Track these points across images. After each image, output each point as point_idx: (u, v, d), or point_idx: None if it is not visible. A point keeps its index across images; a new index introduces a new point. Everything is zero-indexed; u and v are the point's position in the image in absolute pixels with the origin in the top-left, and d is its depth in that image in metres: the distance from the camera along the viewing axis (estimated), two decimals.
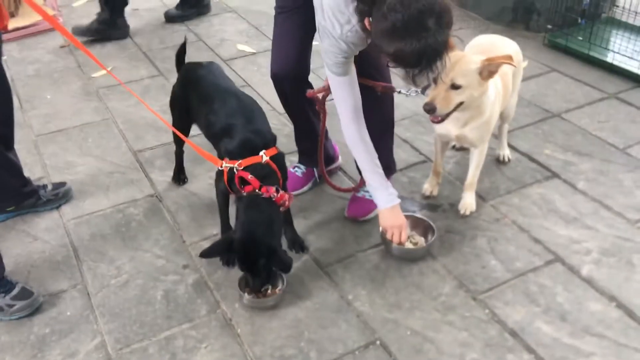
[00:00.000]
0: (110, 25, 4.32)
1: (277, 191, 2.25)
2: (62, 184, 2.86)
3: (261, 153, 2.26)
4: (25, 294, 2.28)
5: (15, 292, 2.27)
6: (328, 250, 2.53)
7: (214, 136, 2.40)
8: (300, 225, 2.62)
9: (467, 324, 2.18)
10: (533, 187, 2.82)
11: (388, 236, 2.40)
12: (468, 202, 2.68)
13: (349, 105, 2.27)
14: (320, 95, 2.50)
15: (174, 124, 2.75)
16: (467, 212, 2.66)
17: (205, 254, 2.28)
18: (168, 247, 2.57)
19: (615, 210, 2.66)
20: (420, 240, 2.51)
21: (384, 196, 2.37)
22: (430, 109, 2.28)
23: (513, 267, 2.40)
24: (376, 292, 2.33)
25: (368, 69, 2.39)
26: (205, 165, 2.89)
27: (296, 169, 2.86)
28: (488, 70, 2.28)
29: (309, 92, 2.51)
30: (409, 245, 2.48)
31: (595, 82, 3.61)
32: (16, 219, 2.74)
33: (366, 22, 1.89)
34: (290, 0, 2.39)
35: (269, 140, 2.35)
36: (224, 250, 2.29)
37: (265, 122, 2.42)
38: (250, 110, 2.40)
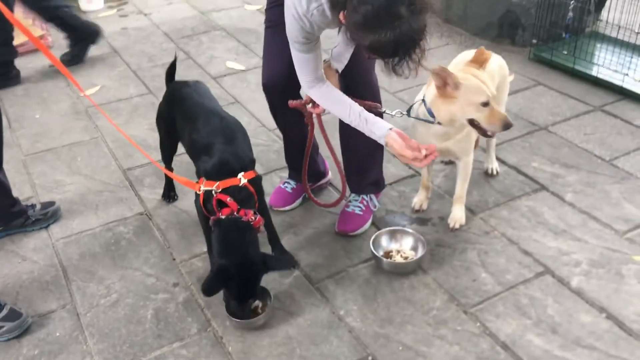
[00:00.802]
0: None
1: (255, 214, 2.25)
2: (51, 203, 2.85)
3: (240, 175, 2.24)
4: (14, 315, 2.26)
5: (3, 313, 2.25)
6: (319, 265, 2.53)
7: (195, 155, 2.40)
8: (290, 241, 2.62)
9: (459, 338, 2.18)
10: (521, 200, 2.83)
11: (406, 161, 2.21)
12: (457, 215, 2.69)
13: (309, 77, 2.23)
14: (307, 107, 2.46)
15: (161, 142, 2.77)
16: (457, 226, 2.67)
17: (209, 291, 2.17)
18: (158, 265, 2.56)
19: (603, 221, 2.68)
20: (411, 254, 2.51)
21: (382, 125, 2.22)
22: (510, 123, 2.28)
23: (503, 280, 2.41)
24: (367, 307, 2.32)
25: (356, 87, 2.41)
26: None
27: (286, 184, 2.87)
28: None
29: (291, 102, 2.47)
30: (399, 259, 2.49)
31: (581, 95, 3.66)
32: (4, 239, 2.73)
33: (341, 16, 1.88)
34: (279, 15, 2.41)
35: (248, 163, 2.34)
36: (225, 281, 2.18)
37: (247, 144, 2.42)
38: (232, 131, 2.39)
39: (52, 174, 3.17)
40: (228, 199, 2.20)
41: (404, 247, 2.55)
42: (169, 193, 2.93)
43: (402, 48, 1.83)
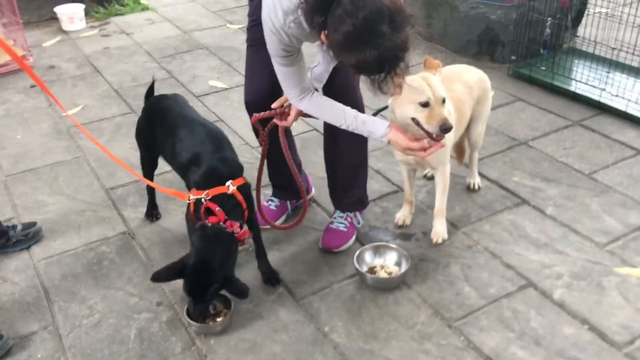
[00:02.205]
0: None
1: (241, 227, 2.26)
2: (33, 223, 2.82)
3: (228, 183, 2.26)
4: None
5: None
6: (303, 282, 2.52)
7: (181, 166, 2.40)
8: (274, 257, 2.62)
9: (444, 352, 2.18)
10: (503, 214, 2.86)
11: (412, 153, 2.22)
12: (439, 230, 2.70)
13: (296, 89, 2.22)
14: (275, 120, 2.43)
15: (142, 157, 2.77)
16: (440, 240, 2.69)
17: (157, 277, 2.24)
18: (141, 285, 2.55)
19: (584, 234, 2.71)
20: (395, 270, 2.52)
21: (380, 124, 2.22)
22: (446, 128, 2.23)
23: (487, 294, 2.42)
24: (352, 323, 2.32)
25: (343, 101, 2.43)
26: (178, 201, 2.88)
27: (269, 202, 2.87)
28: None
29: (254, 116, 2.44)
30: (383, 275, 2.49)
31: (560, 110, 3.71)
32: None
33: (322, 36, 1.87)
34: (260, 33, 2.43)
35: (236, 169, 2.36)
36: (175, 275, 2.23)
37: (232, 151, 2.44)
38: (217, 139, 2.41)
39: (33, 194, 3.15)
40: (217, 209, 2.21)
41: (387, 263, 2.56)
42: (152, 212, 2.92)
43: (388, 64, 1.83)
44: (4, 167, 3.39)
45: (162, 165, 2.74)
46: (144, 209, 2.94)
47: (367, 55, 1.77)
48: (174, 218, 2.90)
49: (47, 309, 2.45)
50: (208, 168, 2.29)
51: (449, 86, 2.59)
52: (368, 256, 2.57)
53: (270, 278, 2.51)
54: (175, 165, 2.50)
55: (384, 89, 1.92)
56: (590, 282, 2.46)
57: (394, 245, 2.61)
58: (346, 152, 2.36)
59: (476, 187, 3.01)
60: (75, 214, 2.99)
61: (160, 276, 2.24)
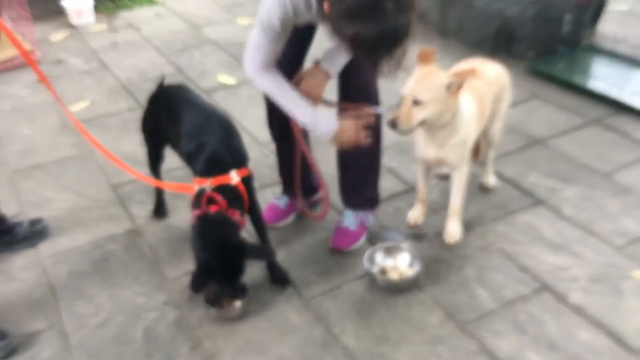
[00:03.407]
0: None
1: (241, 215, 2.25)
2: (39, 220, 2.79)
3: (232, 173, 2.23)
4: (0, 335, 2.20)
5: None
6: (312, 282, 2.48)
7: (188, 154, 2.37)
8: (283, 257, 2.58)
9: (456, 356, 2.14)
10: (518, 215, 2.80)
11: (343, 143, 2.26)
12: (453, 230, 2.64)
13: (262, 61, 2.18)
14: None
15: (148, 151, 2.72)
16: (453, 241, 2.63)
17: (195, 287, 2.16)
18: (148, 283, 2.51)
19: (602, 236, 2.64)
20: (406, 271, 2.47)
21: (326, 117, 2.25)
22: (392, 124, 2.24)
23: (501, 296, 2.37)
24: (362, 325, 2.28)
25: (356, 97, 2.38)
26: (186, 198, 2.83)
27: (279, 200, 2.82)
28: (456, 84, 2.25)
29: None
30: (394, 276, 2.44)
31: (578, 108, 3.64)
32: None
33: (325, 5, 1.85)
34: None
35: (241, 158, 2.33)
36: (210, 276, 2.17)
37: (239, 138, 2.40)
38: (225, 126, 2.38)
39: (40, 191, 3.12)
40: (220, 198, 2.18)
41: (399, 264, 2.50)
42: (160, 209, 2.88)
43: (384, 43, 1.80)
44: (11, 163, 3.36)
45: (171, 162, 2.70)
46: (152, 206, 2.90)
47: (365, 28, 1.76)
48: (182, 215, 2.86)
49: (54, 307, 2.42)
50: (212, 156, 2.26)
51: (469, 81, 2.53)
52: (379, 257, 2.52)
53: (279, 278, 2.46)
54: (181, 152, 2.46)
55: (379, 70, 1.90)
56: (607, 285, 2.40)
57: (406, 246, 2.55)
58: (359, 150, 2.32)
59: (491, 186, 2.95)
60: (82, 211, 2.95)
61: (198, 285, 2.17)
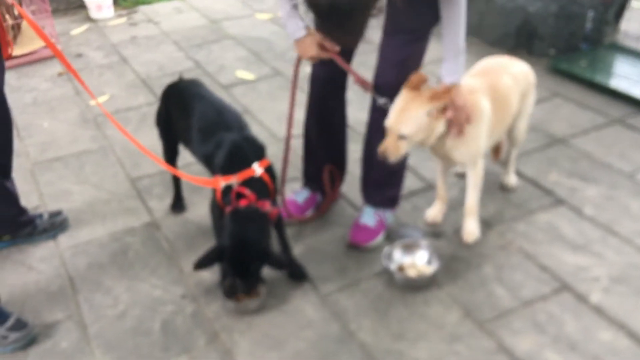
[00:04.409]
0: None
1: (272, 205, 2.27)
2: (58, 212, 2.81)
3: (255, 165, 2.24)
4: (20, 325, 2.22)
5: (9, 323, 2.21)
6: (329, 278, 2.47)
7: (203, 151, 2.38)
8: (299, 252, 2.57)
9: (474, 354, 2.12)
10: (539, 214, 2.77)
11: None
12: (470, 228, 2.61)
13: None
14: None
15: (163, 144, 2.73)
16: (471, 240, 2.60)
17: (199, 264, 2.23)
18: (166, 277, 2.52)
19: (624, 236, 2.61)
20: (424, 268, 2.45)
21: (294, 26, 2.34)
22: (382, 158, 2.27)
23: (520, 295, 2.34)
24: (379, 321, 2.26)
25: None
26: (203, 193, 2.85)
27: (297, 195, 2.81)
28: (436, 110, 2.22)
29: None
30: (412, 273, 2.43)
31: (600, 107, 3.59)
32: (11, 248, 2.69)
33: None
34: None
35: (260, 148, 2.35)
36: (217, 258, 2.23)
37: (250, 128, 2.43)
38: (238, 119, 2.40)
39: (59, 183, 3.14)
40: (247, 191, 2.19)
41: (417, 261, 2.49)
42: (178, 203, 2.89)
43: (337, 12, 1.84)
44: (31, 155, 3.39)
45: (188, 157, 2.70)
46: (169, 200, 2.91)
47: None
48: (199, 210, 2.87)
49: (72, 298, 2.44)
50: (233, 150, 2.27)
51: (496, 79, 2.50)
52: (397, 254, 2.50)
53: (296, 273, 2.46)
54: (193, 147, 2.47)
55: (334, 39, 2.03)
56: (629, 286, 2.36)
57: (424, 243, 2.53)
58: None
59: (511, 186, 2.91)
60: (100, 204, 2.97)
61: (203, 263, 2.23)
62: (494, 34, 4.36)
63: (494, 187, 2.93)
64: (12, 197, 2.64)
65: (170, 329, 2.27)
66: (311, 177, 2.80)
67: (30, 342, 2.23)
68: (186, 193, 2.92)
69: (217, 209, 2.33)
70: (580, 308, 2.28)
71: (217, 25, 5.10)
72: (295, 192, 2.84)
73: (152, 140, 3.38)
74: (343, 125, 2.73)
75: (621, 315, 2.23)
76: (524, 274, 2.44)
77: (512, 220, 2.73)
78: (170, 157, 2.76)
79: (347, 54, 2.47)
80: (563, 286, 2.38)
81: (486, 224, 2.71)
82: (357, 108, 2.85)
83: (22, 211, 2.69)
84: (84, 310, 2.37)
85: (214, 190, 2.30)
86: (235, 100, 3.86)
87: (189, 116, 2.45)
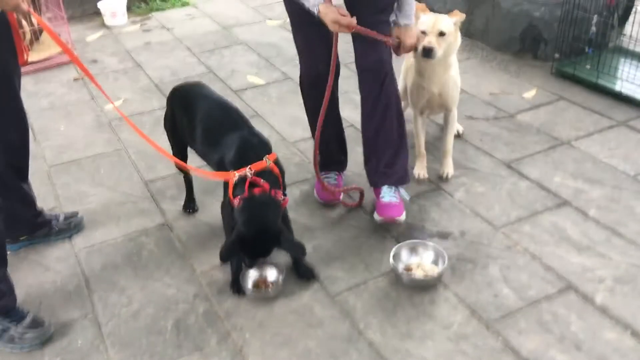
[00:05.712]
0: None
1: (284, 195, 2.35)
2: (74, 214, 2.88)
3: (265, 158, 2.32)
4: (36, 323, 2.28)
5: (26, 321, 2.27)
6: (338, 278, 2.52)
7: (212, 151, 2.45)
8: (308, 252, 2.59)
9: (481, 354, 2.15)
10: (544, 215, 2.80)
11: (339, 28, 2.45)
12: (451, 165, 3.03)
13: None
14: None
15: (173, 148, 2.80)
16: (449, 176, 2.99)
17: (225, 257, 2.31)
18: (179, 276, 2.57)
19: (628, 237, 2.64)
20: (431, 269, 2.49)
21: None
22: (430, 48, 2.68)
23: (526, 295, 2.38)
24: (387, 321, 2.31)
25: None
26: (215, 194, 2.91)
27: (329, 179, 2.94)
28: (459, 22, 2.77)
29: None
30: (419, 273, 2.47)
31: (604, 110, 3.62)
32: (28, 248, 2.76)
33: None
34: (306, 15, 2.50)
35: (267, 142, 2.43)
36: (239, 245, 2.26)
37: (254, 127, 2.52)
38: (243, 118, 2.49)
39: (75, 185, 3.21)
40: (262, 181, 2.26)
41: (424, 262, 2.53)
42: (190, 204, 2.95)
43: None
44: (48, 158, 3.46)
45: (198, 159, 2.75)
46: (182, 202, 2.97)
47: None
48: (212, 211, 2.92)
49: (87, 297, 2.50)
50: (244, 145, 2.35)
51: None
52: (404, 254, 2.55)
53: (306, 273, 2.51)
54: (198, 147, 2.55)
55: None
56: (634, 286, 2.39)
57: (431, 244, 2.58)
58: (383, 133, 2.60)
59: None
60: (115, 205, 3.04)
61: (227, 254, 2.31)
62: (500, 38, 4.40)
63: (500, 190, 2.97)
64: (29, 199, 2.71)
65: (183, 327, 2.32)
66: (330, 156, 2.93)
67: (46, 340, 2.29)
68: (197, 195, 2.98)
69: (228, 208, 2.38)
70: (586, 308, 2.31)
71: (229, 31, 5.17)
72: (325, 177, 2.94)
73: (165, 143, 3.45)
74: (337, 100, 2.89)
75: (626, 316, 2.26)
76: (530, 274, 2.48)
77: (517, 222, 2.77)
78: (180, 159, 2.82)
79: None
80: (568, 286, 2.41)
81: (492, 225, 2.75)
82: (357, 108, 2.88)
83: (39, 213, 2.76)
84: (98, 309, 2.43)
85: (226, 190, 2.36)
86: (246, 104, 3.92)
87: (192, 117, 2.52)
